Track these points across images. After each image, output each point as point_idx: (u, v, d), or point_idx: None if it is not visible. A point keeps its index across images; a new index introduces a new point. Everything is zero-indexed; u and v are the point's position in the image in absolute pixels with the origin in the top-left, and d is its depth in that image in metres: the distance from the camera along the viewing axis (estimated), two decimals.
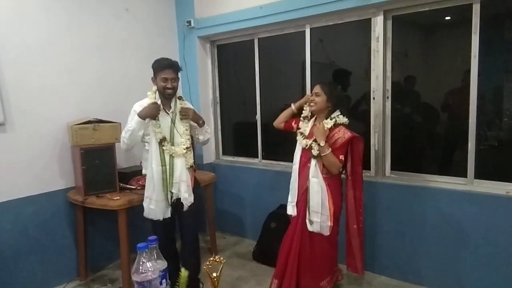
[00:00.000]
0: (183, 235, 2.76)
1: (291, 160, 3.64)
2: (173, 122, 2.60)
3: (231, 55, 4.20)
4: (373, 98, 3.04)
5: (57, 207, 3.11)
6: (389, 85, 3.00)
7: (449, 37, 2.98)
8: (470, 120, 2.67)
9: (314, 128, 2.49)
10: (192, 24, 3.87)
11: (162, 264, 1.27)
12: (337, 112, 2.51)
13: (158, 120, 2.53)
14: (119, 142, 2.65)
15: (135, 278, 1.20)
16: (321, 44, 3.43)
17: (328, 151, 2.38)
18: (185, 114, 2.59)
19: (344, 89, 3.25)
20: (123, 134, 2.56)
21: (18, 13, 2.83)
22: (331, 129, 2.44)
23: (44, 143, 3.01)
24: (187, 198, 2.61)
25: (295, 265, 2.54)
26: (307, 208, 2.48)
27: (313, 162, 2.46)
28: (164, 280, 1.27)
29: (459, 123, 2.79)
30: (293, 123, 2.73)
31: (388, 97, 3.01)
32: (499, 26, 2.71)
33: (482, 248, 2.64)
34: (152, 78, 2.58)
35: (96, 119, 3.01)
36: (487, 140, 2.80)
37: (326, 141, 2.39)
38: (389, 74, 3.00)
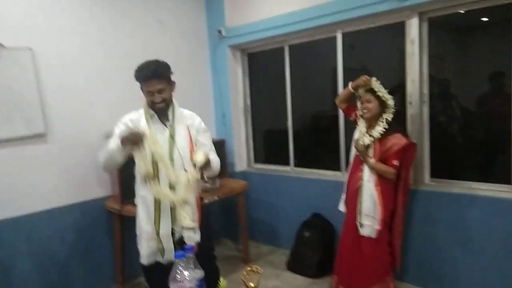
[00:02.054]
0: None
1: (324, 168, 3.63)
2: (172, 137, 2.12)
3: (261, 63, 4.20)
4: (410, 103, 2.94)
5: (95, 215, 3.19)
6: (426, 89, 2.90)
7: (488, 38, 2.85)
8: None
9: (355, 144, 2.61)
10: (223, 33, 3.91)
11: (200, 273, 1.27)
12: (387, 114, 2.56)
13: (143, 149, 1.99)
14: None
15: (172, 286, 1.19)
16: (352, 49, 3.36)
17: (373, 163, 2.51)
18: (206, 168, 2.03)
19: None
20: (100, 152, 2.10)
21: (57, 24, 2.95)
22: (386, 135, 2.52)
23: (82, 152, 3.10)
24: (192, 237, 2.12)
25: (350, 267, 2.69)
26: (357, 211, 2.58)
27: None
28: None
29: (501, 127, 2.64)
30: (353, 113, 2.78)
31: (425, 101, 2.90)
32: None
33: None
34: (140, 88, 2.16)
35: None
36: None
37: (374, 151, 2.53)
38: (425, 77, 2.89)
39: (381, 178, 2.54)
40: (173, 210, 2.10)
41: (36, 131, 2.83)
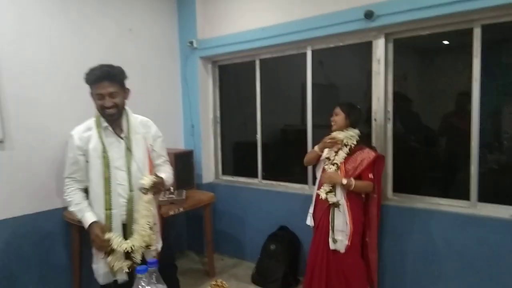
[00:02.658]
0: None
1: (292, 181, 3.65)
2: (129, 149, 2.02)
3: (232, 76, 4.22)
4: (375, 120, 3.04)
5: (53, 226, 3.03)
6: (391, 107, 3.01)
7: (450, 60, 3.01)
8: (472, 143, 2.66)
9: (325, 175, 2.60)
10: (194, 45, 3.90)
11: None
12: (354, 130, 2.63)
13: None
14: None
15: None
16: (321, 66, 3.45)
17: (353, 183, 2.51)
18: (158, 190, 2.02)
19: None
20: (68, 197, 2.07)
21: (21, 30, 2.83)
22: (354, 150, 2.58)
23: (42, 161, 2.97)
24: (154, 248, 2.06)
25: (323, 282, 2.63)
26: (330, 227, 2.57)
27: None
28: None
29: (461, 145, 2.78)
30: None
31: (389, 119, 3.01)
32: (500, 50, 2.73)
33: (486, 272, 2.58)
34: (90, 93, 2.03)
35: None
36: (487, 163, 2.78)
37: (347, 172, 2.56)
38: (390, 96, 3.01)
39: (350, 193, 2.57)
40: (126, 226, 2.04)
41: None
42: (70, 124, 3.06)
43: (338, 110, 2.67)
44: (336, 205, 2.54)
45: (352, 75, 3.45)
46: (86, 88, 3.13)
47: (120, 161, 2.02)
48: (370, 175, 2.56)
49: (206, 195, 3.60)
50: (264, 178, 3.90)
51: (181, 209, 3.13)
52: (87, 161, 2.04)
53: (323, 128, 3.53)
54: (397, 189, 3.04)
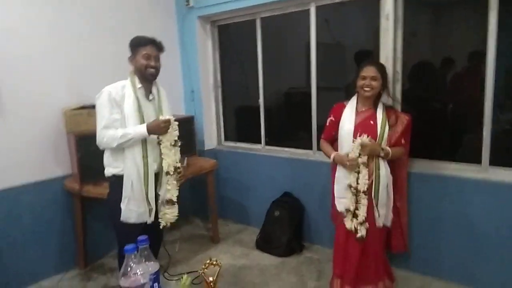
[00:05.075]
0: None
1: (296, 146, 3.55)
2: (159, 109, 2.30)
3: (232, 36, 4.01)
4: None
5: (54, 195, 3.01)
6: (400, 67, 2.83)
7: (463, 15, 2.79)
8: (486, 104, 2.51)
9: (365, 146, 2.20)
10: (191, 3, 3.68)
11: (154, 266, 1.16)
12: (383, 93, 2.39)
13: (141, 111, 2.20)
14: None
15: (123, 283, 1.09)
16: (326, 24, 3.24)
17: (390, 151, 2.27)
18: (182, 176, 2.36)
19: None
20: (111, 136, 2.14)
21: None
22: (388, 114, 2.34)
23: (39, 129, 2.89)
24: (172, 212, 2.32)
25: (356, 262, 2.36)
26: (374, 204, 2.26)
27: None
28: (156, 284, 1.16)
29: (473, 106, 2.63)
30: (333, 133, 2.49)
31: (398, 80, 2.84)
32: None
33: (496, 238, 2.51)
34: (129, 57, 2.25)
35: (91, 104, 2.87)
36: (499, 124, 2.64)
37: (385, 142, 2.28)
38: (399, 55, 2.82)
39: (394, 163, 2.39)
40: (158, 176, 2.28)
41: None
42: (63, 89, 3.00)
43: (375, 73, 2.28)
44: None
45: (359, 34, 3.24)
46: (77, 51, 3.06)
47: (152, 118, 2.22)
48: (403, 141, 2.38)
49: (208, 162, 3.52)
50: (267, 143, 3.80)
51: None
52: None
53: (329, 90, 3.40)
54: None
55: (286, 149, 3.63)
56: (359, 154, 2.22)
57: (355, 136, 2.27)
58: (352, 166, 2.24)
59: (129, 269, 1.09)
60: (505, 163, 2.53)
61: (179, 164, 2.31)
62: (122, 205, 2.21)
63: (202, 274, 1.17)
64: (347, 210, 2.29)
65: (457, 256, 2.68)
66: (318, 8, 3.16)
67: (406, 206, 2.62)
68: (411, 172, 2.79)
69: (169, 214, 2.30)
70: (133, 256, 1.09)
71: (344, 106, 2.42)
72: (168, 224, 2.33)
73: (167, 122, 2.17)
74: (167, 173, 2.24)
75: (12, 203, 2.78)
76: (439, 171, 2.74)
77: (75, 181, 2.92)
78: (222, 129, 4.18)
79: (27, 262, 2.86)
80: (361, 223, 2.24)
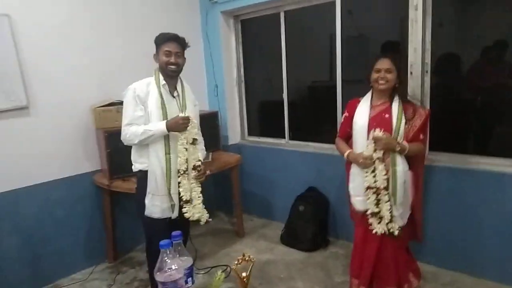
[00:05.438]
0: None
1: (320, 140, 3.51)
2: (183, 106, 2.31)
3: (256, 31, 4.00)
4: (411, 73, 2.80)
5: (84, 190, 3.09)
6: (429, 58, 2.75)
7: (493, 4, 2.68)
8: None
9: (380, 140, 2.11)
10: None
11: (187, 261, 1.18)
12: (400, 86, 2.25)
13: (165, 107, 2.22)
14: None
15: (158, 278, 1.11)
16: (350, 15, 3.18)
17: (407, 147, 2.15)
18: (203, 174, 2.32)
19: None
20: (133, 133, 2.19)
21: None
22: (406, 108, 2.20)
23: (68, 126, 2.97)
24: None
25: (372, 263, 2.28)
26: (393, 201, 2.16)
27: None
28: (190, 279, 1.18)
29: (507, 97, 2.52)
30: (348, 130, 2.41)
31: (427, 71, 2.76)
32: None
33: None
34: (154, 55, 2.29)
35: (119, 101, 2.92)
36: None
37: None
38: (428, 46, 2.74)
39: (411, 159, 2.24)
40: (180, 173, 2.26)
41: (18, 104, 2.68)
42: (94, 85, 3.07)
43: (390, 65, 2.17)
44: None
45: (384, 25, 3.16)
46: (107, 48, 3.12)
47: (175, 115, 2.22)
48: (421, 136, 2.24)
49: (232, 157, 3.54)
50: (291, 138, 3.78)
51: (208, 172, 3.08)
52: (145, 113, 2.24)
53: (354, 83, 3.34)
54: (434, 147, 2.84)
55: (311, 143, 3.60)
56: (375, 149, 2.14)
57: (369, 131, 2.20)
58: (366, 163, 2.15)
59: (164, 264, 1.11)
60: None
61: (199, 163, 2.29)
62: (146, 200, 2.26)
63: (235, 270, 1.17)
64: (372, 214, 2.18)
65: (490, 252, 2.61)
66: (343, 0, 3.10)
67: (420, 203, 2.43)
68: (442, 166, 2.71)
69: (188, 213, 2.27)
70: (168, 251, 1.11)
71: (359, 102, 2.35)
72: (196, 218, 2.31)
73: (186, 119, 2.18)
74: (179, 171, 2.23)
75: (44, 198, 2.87)
76: (471, 165, 2.66)
77: (104, 176, 2.99)
78: (246, 124, 4.18)
79: (59, 255, 2.97)
80: (390, 221, 2.17)
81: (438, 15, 2.71)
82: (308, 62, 3.72)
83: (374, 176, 2.16)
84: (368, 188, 2.18)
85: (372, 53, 3.18)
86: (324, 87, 3.56)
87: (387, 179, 2.14)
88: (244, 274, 1.16)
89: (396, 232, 2.15)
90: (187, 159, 2.24)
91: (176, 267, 1.11)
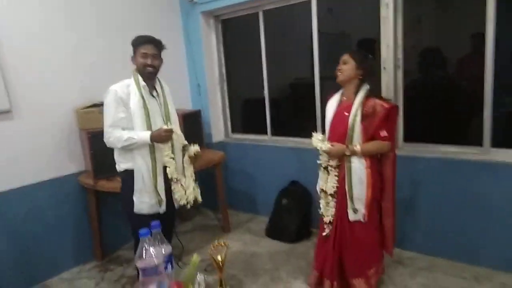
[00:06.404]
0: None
1: (302, 136, 3.62)
2: (164, 105, 2.40)
3: (236, 30, 4.08)
4: (384, 68, 2.92)
5: (70, 191, 3.13)
6: (401, 54, 2.88)
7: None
8: (486, 87, 2.55)
9: (330, 152, 2.25)
10: None
11: (167, 248, 1.26)
12: (366, 86, 2.25)
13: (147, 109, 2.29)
14: None
15: (139, 264, 1.19)
16: (330, 13, 3.28)
17: (359, 148, 2.19)
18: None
19: None
20: (117, 137, 2.25)
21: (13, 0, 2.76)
22: (364, 103, 2.20)
23: (52, 128, 3.01)
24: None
25: (336, 256, 2.39)
26: (348, 197, 2.26)
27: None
28: (169, 264, 1.26)
29: (475, 90, 2.66)
30: None
31: (399, 67, 2.89)
32: None
33: (500, 218, 2.57)
34: (131, 57, 2.35)
35: (101, 102, 2.97)
36: (504, 107, 2.68)
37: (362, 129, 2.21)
38: (400, 42, 2.87)
39: (372, 157, 2.26)
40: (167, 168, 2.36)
41: (0, 108, 2.70)
42: (75, 88, 3.10)
43: (347, 57, 2.26)
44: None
45: (362, 22, 3.27)
46: (88, 51, 3.15)
47: (157, 114, 2.35)
48: (383, 133, 2.19)
49: (216, 155, 3.62)
50: (273, 134, 3.88)
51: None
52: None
53: (333, 80, 3.43)
54: (408, 138, 2.98)
55: (292, 139, 3.70)
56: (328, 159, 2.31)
57: (331, 129, 2.35)
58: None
59: (144, 251, 1.19)
60: (507, 144, 2.58)
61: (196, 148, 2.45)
62: (135, 198, 2.33)
63: (210, 254, 1.26)
64: (321, 215, 2.41)
65: (461, 236, 2.75)
66: None
67: (392, 207, 2.34)
68: (413, 156, 2.84)
69: (178, 194, 2.42)
70: (147, 240, 1.19)
71: (332, 97, 2.45)
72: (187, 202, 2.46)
73: (169, 131, 2.26)
74: (171, 179, 2.36)
75: (31, 200, 2.90)
76: (441, 154, 2.80)
77: (89, 177, 3.04)
78: (229, 122, 4.26)
79: (47, 255, 3.00)
80: (326, 223, 2.37)
81: (411, 12, 2.83)
82: (289, 60, 3.82)
83: (326, 181, 2.32)
84: (321, 190, 2.36)
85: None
86: (304, 84, 3.65)
87: (342, 178, 2.28)
88: (219, 258, 1.24)
89: (324, 234, 2.41)
90: (175, 167, 2.36)
91: (156, 254, 1.19)
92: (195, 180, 2.50)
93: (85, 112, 2.97)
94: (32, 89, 2.87)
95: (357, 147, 2.20)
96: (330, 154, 2.27)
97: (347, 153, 2.21)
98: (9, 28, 2.73)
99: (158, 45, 2.33)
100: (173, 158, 2.35)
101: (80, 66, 3.15)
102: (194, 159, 2.45)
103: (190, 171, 2.46)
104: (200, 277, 1.17)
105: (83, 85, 3.16)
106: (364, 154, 2.22)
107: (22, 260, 2.86)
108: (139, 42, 2.30)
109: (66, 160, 3.11)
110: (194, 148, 2.46)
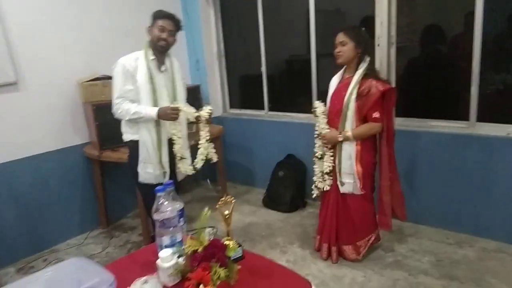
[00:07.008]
0: None
1: (297, 111, 3.74)
2: (172, 81, 2.46)
3: (234, 6, 4.13)
4: (378, 45, 3.03)
5: (75, 161, 3.26)
6: (394, 31, 2.98)
7: None
8: (473, 63, 2.67)
9: (324, 138, 2.44)
10: None
11: (179, 204, 1.40)
12: (367, 59, 2.31)
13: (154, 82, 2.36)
14: None
15: (155, 216, 1.33)
16: None
17: (351, 133, 2.31)
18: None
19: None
20: (125, 110, 2.33)
21: None
22: (361, 83, 2.27)
23: (57, 100, 3.10)
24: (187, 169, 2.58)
25: (333, 224, 2.58)
26: (337, 170, 2.42)
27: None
28: (182, 219, 1.41)
29: (465, 68, 2.78)
30: None
31: (393, 43, 3.00)
32: None
33: (482, 188, 2.74)
34: (147, 27, 2.40)
35: (105, 75, 3.07)
36: (494, 84, 2.80)
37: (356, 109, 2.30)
38: (394, 19, 2.96)
39: (375, 140, 2.41)
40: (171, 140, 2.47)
41: (7, 80, 2.79)
42: (80, 60, 3.18)
43: (344, 37, 2.26)
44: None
45: (356, 0, 3.35)
46: (92, 23, 3.21)
47: (164, 89, 2.41)
48: (375, 114, 2.26)
49: (215, 129, 3.72)
50: (270, 109, 4.00)
51: (192, 142, 3.28)
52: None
53: (330, 57, 3.52)
54: (399, 113, 3.11)
55: (289, 113, 3.83)
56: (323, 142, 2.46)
57: (330, 104, 2.47)
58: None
59: (160, 206, 1.33)
60: (492, 119, 2.72)
61: (207, 110, 2.46)
62: (139, 169, 2.45)
63: (219, 209, 1.41)
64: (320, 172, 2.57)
65: (446, 205, 2.94)
66: None
67: (387, 185, 2.45)
68: (402, 130, 2.98)
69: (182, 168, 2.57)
70: (163, 195, 1.33)
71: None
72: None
73: (176, 109, 2.33)
74: (176, 156, 2.50)
75: (37, 169, 3.03)
76: (429, 128, 2.95)
77: (94, 148, 3.16)
78: (227, 97, 4.37)
79: (54, 222, 3.15)
80: (317, 187, 2.58)
81: None
82: (285, 37, 3.89)
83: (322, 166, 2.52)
84: (315, 156, 2.56)
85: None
86: (301, 61, 3.75)
87: (332, 166, 2.45)
88: (226, 212, 1.39)
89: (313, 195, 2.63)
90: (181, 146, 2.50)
91: (170, 208, 1.34)
92: (209, 141, 2.55)
93: (89, 84, 3.05)
94: (37, 62, 2.95)
95: (349, 133, 2.33)
96: (325, 138, 2.43)
97: (340, 139, 2.36)
98: (14, 2, 2.79)
99: (177, 23, 2.40)
100: (179, 137, 2.47)
101: (85, 41, 3.22)
102: (208, 119, 2.47)
103: (205, 131, 2.49)
104: (209, 229, 1.32)
105: (87, 59, 3.24)
106: (357, 139, 2.35)
107: (30, 227, 3.01)
108: (160, 15, 2.35)
109: (70, 132, 3.21)
110: (206, 110, 2.46)
